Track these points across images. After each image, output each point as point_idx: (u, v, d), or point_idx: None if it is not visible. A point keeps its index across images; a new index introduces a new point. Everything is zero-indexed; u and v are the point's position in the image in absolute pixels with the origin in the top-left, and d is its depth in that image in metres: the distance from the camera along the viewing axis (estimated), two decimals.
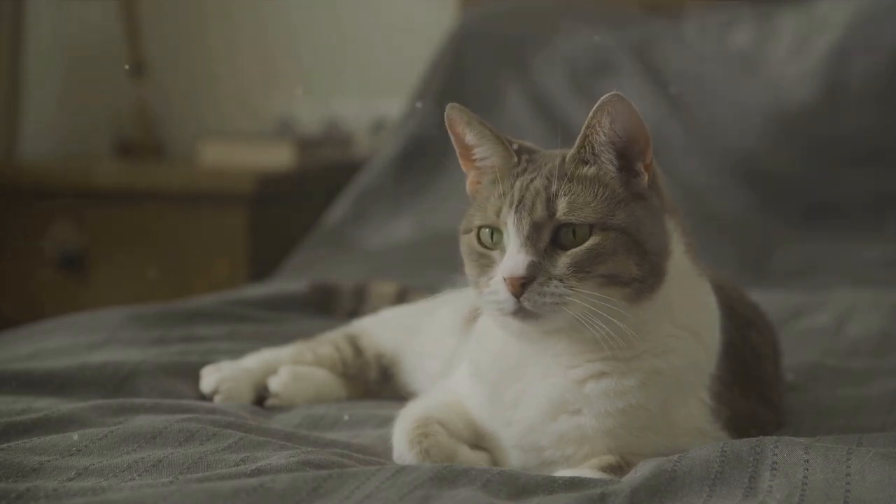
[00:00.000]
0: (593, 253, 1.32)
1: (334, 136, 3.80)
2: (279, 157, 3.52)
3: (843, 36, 3.02)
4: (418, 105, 3.25)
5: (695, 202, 2.88)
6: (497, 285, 1.34)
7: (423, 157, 3.13)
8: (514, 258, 1.33)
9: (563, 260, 1.33)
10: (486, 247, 1.38)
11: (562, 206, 1.34)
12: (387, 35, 3.83)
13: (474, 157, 1.43)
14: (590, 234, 1.33)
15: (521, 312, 1.33)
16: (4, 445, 1.37)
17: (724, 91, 3.07)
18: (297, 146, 3.55)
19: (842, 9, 3.07)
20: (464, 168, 1.45)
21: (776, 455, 1.30)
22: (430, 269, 2.17)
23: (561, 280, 1.32)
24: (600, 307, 1.31)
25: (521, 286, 1.32)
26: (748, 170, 2.99)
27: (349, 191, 3.22)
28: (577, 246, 1.33)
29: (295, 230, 3.30)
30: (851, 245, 2.79)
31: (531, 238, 1.33)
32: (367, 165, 3.29)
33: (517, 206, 1.35)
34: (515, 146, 1.42)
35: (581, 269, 1.32)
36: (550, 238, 1.34)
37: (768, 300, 1.93)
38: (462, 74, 3.27)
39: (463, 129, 1.42)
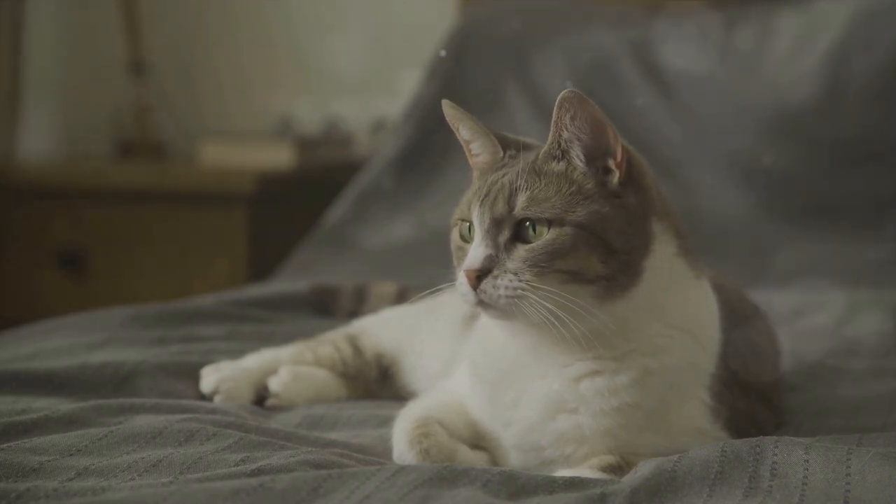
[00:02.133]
0: (549, 248, 1.33)
1: (334, 136, 3.80)
2: (279, 157, 3.52)
3: (843, 36, 3.01)
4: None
5: (695, 202, 2.88)
6: (461, 277, 1.36)
7: (423, 157, 3.13)
8: (475, 251, 1.35)
9: (520, 254, 1.34)
10: (464, 240, 1.41)
11: (521, 201, 1.35)
12: (387, 35, 3.83)
13: (472, 152, 1.46)
14: (548, 230, 1.34)
15: (481, 305, 1.35)
16: (4, 445, 1.37)
17: (724, 91, 3.07)
18: (297, 146, 3.55)
19: (842, 9, 3.07)
20: (471, 164, 1.47)
21: (776, 455, 1.30)
22: (430, 269, 2.17)
23: (516, 274, 1.33)
24: (561, 305, 1.31)
25: (476, 278, 1.33)
26: (748, 170, 2.99)
27: (349, 191, 3.22)
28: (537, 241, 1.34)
29: (295, 230, 3.30)
30: (851, 245, 2.79)
31: (490, 232, 1.35)
32: (367, 165, 3.29)
33: (482, 201, 1.37)
34: (507, 142, 1.43)
35: (536, 264, 1.33)
36: (512, 233, 1.35)
37: (768, 300, 1.93)
38: (462, 74, 3.27)
39: (457, 125, 1.45)
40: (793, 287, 2.55)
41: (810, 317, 2.31)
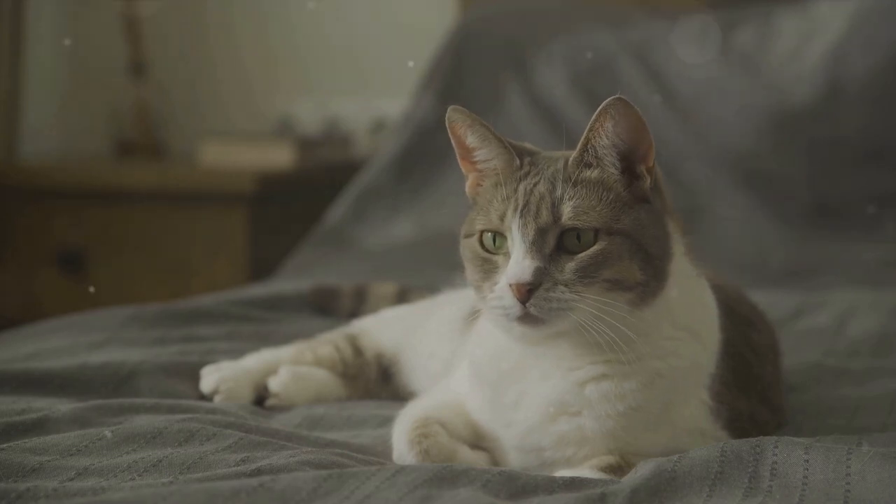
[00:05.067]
0: (599, 258, 1.32)
1: (334, 136, 3.80)
2: (279, 157, 3.52)
3: (843, 36, 3.01)
4: (419, 98, 3.25)
5: (695, 202, 2.88)
6: (502, 291, 1.33)
7: (423, 157, 3.13)
8: (520, 264, 1.32)
9: (570, 265, 1.32)
10: (489, 251, 1.37)
11: (567, 210, 1.33)
12: (387, 35, 3.83)
13: (475, 160, 1.42)
14: (595, 239, 1.32)
15: (526, 318, 1.32)
16: (4, 445, 1.37)
17: (724, 91, 3.07)
18: (297, 146, 3.55)
19: (842, 9, 3.07)
20: (464, 170, 1.43)
21: (776, 455, 1.30)
22: (430, 269, 2.18)
23: (567, 286, 1.31)
24: (605, 312, 1.31)
25: (527, 292, 1.31)
26: (748, 170, 2.99)
27: (349, 190, 3.22)
28: (582, 251, 1.32)
29: (295, 230, 3.30)
30: (851, 245, 2.79)
31: (536, 243, 1.33)
32: (367, 165, 3.29)
33: (522, 211, 1.34)
34: (518, 149, 1.41)
35: (587, 275, 1.31)
36: (556, 243, 1.33)
37: (768, 300, 1.93)
38: (462, 74, 3.27)
39: (464, 131, 1.40)
40: (793, 287, 2.55)
41: (810, 317, 2.31)
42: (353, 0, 3.88)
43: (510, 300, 1.32)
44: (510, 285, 1.32)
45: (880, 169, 2.92)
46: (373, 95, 3.81)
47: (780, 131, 2.99)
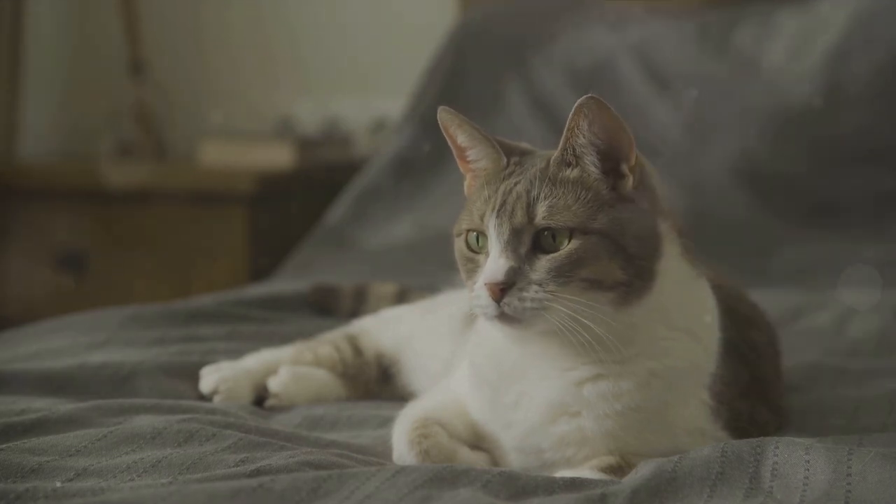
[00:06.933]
0: (573, 258, 1.32)
1: (334, 136, 3.80)
2: (279, 157, 3.52)
3: (843, 36, 3.01)
4: (419, 98, 3.25)
5: (695, 202, 2.88)
6: (480, 290, 1.34)
7: (423, 158, 3.13)
8: (495, 263, 1.33)
9: (543, 265, 1.32)
10: (473, 251, 1.38)
11: (541, 210, 1.33)
12: (387, 35, 3.83)
13: (469, 160, 1.43)
14: (570, 239, 1.33)
15: (503, 317, 1.33)
16: (4, 445, 1.37)
17: (724, 91, 3.06)
18: (297, 146, 3.55)
19: (842, 9, 3.07)
20: (462, 170, 1.45)
21: (777, 455, 1.30)
22: (430, 269, 2.18)
23: (540, 285, 1.32)
24: (583, 313, 1.31)
25: (500, 291, 1.32)
26: (748, 170, 2.99)
27: (349, 191, 3.22)
28: (557, 250, 1.33)
29: (295, 230, 3.30)
30: (851, 245, 2.79)
31: (511, 243, 1.33)
32: (367, 165, 3.29)
33: (498, 211, 1.34)
34: (509, 149, 1.41)
35: (561, 274, 1.32)
36: (532, 243, 1.33)
37: (768, 300, 1.93)
38: (462, 74, 3.26)
39: (455, 131, 1.42)
40: (793, 287, 2.55)
41: (810, 317, 2.31)
42: (352, 0, 3.88)
43: (486, 299, 1.33)
44: (485, 284, 1.32)
45: (880, 169, 2.92)
46: (373, 95, 3.81)
47: (781, 131, 2.99)
